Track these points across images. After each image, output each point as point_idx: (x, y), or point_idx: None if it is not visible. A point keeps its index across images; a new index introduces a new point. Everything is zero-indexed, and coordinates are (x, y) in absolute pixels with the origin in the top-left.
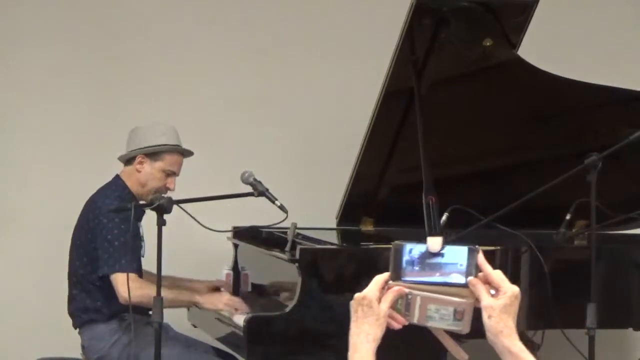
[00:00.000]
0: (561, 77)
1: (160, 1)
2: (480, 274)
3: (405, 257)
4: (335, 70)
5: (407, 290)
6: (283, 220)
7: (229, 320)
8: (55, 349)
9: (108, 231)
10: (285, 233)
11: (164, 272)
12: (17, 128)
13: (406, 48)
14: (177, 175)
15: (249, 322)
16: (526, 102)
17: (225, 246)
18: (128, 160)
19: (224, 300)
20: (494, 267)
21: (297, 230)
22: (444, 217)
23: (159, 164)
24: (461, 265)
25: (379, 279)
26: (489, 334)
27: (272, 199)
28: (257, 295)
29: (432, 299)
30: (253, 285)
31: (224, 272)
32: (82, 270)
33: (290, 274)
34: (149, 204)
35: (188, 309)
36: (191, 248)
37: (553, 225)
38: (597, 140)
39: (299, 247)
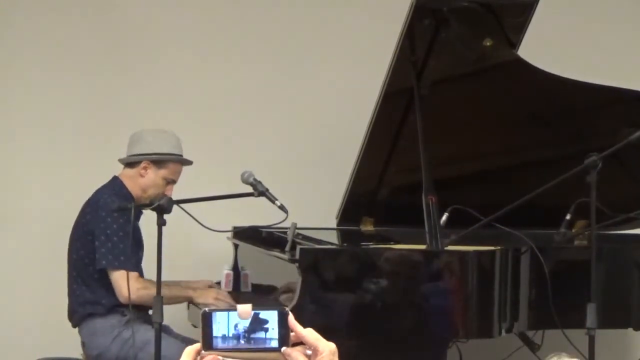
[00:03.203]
0: (561, 77)
1: (161, 1)
2: (293, 334)
3: (216, 326)
4: (335, 71)
5: (220, 358)
6: (283, 221)
7: None
8: (55, 349)
9: (106, 225)
10: (285, 233)
11: (163, 272)
12: (17, 128)
13: (406, 48)
14: (176, 183)
15: None
16: (526, 102)
17: (225, 246)
18: (130, 163)
19: (213, 295)
20: (494, 267)
21: (297, 230)
22: (444, 217)
23: (163, 172)
24: (273, 329)
25: (190, 350)
26: None
27: (272, 199)
28: (257, 295)
29: None
30: (253, 285)
31: (224, 272)
32: (80, 263)
33: (291, 274)
34: (149, 204)
35: (188, 307)
36: (191, 248)
37: (553, 226)
38: (597, 140)
39: (299, 247)
